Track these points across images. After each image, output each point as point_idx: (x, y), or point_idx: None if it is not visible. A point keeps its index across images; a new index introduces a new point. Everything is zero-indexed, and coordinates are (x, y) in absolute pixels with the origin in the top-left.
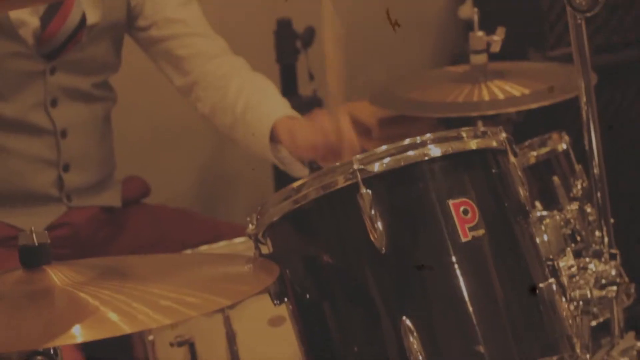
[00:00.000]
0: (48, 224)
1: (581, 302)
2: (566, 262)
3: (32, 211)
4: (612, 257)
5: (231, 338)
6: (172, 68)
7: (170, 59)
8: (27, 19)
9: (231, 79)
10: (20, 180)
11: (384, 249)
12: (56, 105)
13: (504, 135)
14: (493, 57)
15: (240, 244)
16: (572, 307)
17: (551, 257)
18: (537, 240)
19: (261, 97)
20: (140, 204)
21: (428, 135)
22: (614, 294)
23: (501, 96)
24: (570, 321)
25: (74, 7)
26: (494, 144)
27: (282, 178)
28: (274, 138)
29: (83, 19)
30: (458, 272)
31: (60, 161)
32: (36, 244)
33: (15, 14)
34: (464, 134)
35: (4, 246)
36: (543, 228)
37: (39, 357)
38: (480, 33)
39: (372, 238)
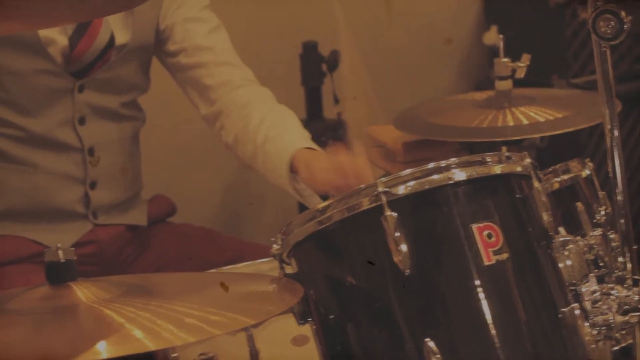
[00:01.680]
0: (74, 242)
1: (604, 328)
2: (589, 288)
3: (58, 228)
4: (635, 283)
5: (254, 356)
6: (199, 96)
7: (197, 86)
8: (56, 37)
9: (254, 108)
10: (47, 196)
11: (407, 271)
12: (84, 123)
13: (528, 160)
14: (517, 83)
15: (265, 264)
16: (594, 332)
17: (574, 282)
18: (560, 265)
19: (282, 128)
20: (165, 223)
21: (453, 159)
22: (636, 320)
23: (525, 122)
24: (593, 346)
25: (102, 27)
26: (519, 169)
27: None
28: (292, 169)
29: (112, 38)
30: (481, 295)
31: (86, 178)
32: (62, 260)
33: (44, 33)
34: (488, 159)
35: (31, 262)
36: (566, 253)
37: None
38: (505, 59)
39: (395, 260)
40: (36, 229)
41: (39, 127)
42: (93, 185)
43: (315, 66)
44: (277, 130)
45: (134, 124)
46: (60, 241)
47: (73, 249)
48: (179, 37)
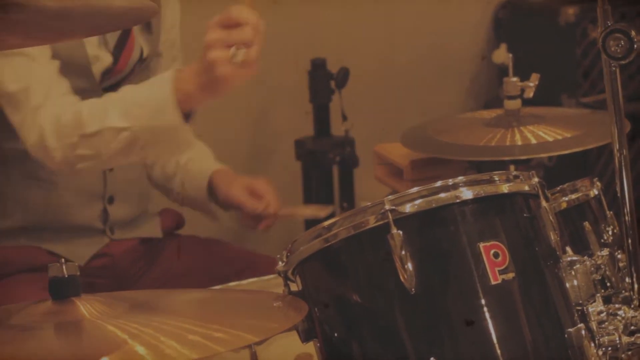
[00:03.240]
0: (90, 255)
1: (610, 348)
2: (595, 308)
3: (76, 242)
4: None
5: None
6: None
7: None
8: (100, 54)
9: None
10: (67, 213)
11: (413, 289)
12: None
13: (536, 179)
14: (526, 102)
15: (270, 280)
16: (600, 353)
17: (581, 302)
18: (567, 285)
19: (205, 155)
20: (174, 235)
21: (460, 177)
22: None
23: (534, 141)
24: None
25: (135, 41)
26: (526, 188)
27: None
28: (211, 183)
29: (142, 53)
30: (487, 314)
31: (105, 193)
32: (66, 276)
33: (91, 51)
34: (496, 178)
35: (45, 272)
36: (573, 273)
37: None
38: (514, 79)
39: (402, 279)
40: (54, 242)
41: None
42: (111, 200)
43: (323, 83)
44: (200, 155)
45: None
46: (76, 254)
47: (76, 264)
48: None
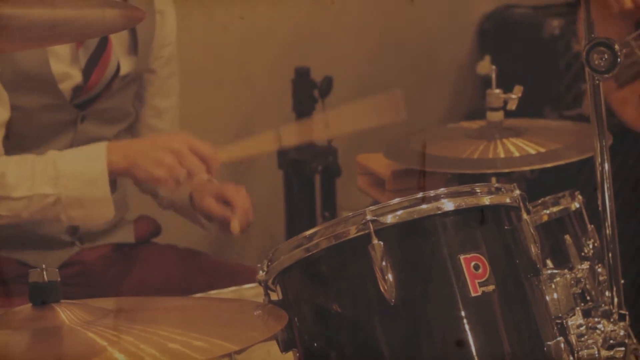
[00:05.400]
0: (60, 263)
1: None
2: (575, 321)
3: (45, 251)
4: (621, 317)
5: None
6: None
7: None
8: (70, 71)
9: None
10: (35, 225)
11: (393, 300)
12: None
13: (517, 192)
14: (509, 114)
15: (250, 290)
16: None
17: (560, 315)
18: (547, 298)
19: None
20: (150, 244)
21: (442, 189)
22: (621, 355)
23: (516, 154)
24: None
25: (111, 57)
26: (508, 200)
27: (293, 224)
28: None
29: (118, 68)
30: (467, 326)
31: None
32: (46, 281)
33: (58, 68)
34: (477, 190)
35: (16, 283)
36: (553, 286)
37: None
38: (497, 90)
39: (382, 289)
40: (23, 252)
41: None
42: None
43: (307, 92)
44: None
45: None
46: (46, 263)
47: (57, 270)
48: (150, 87)
